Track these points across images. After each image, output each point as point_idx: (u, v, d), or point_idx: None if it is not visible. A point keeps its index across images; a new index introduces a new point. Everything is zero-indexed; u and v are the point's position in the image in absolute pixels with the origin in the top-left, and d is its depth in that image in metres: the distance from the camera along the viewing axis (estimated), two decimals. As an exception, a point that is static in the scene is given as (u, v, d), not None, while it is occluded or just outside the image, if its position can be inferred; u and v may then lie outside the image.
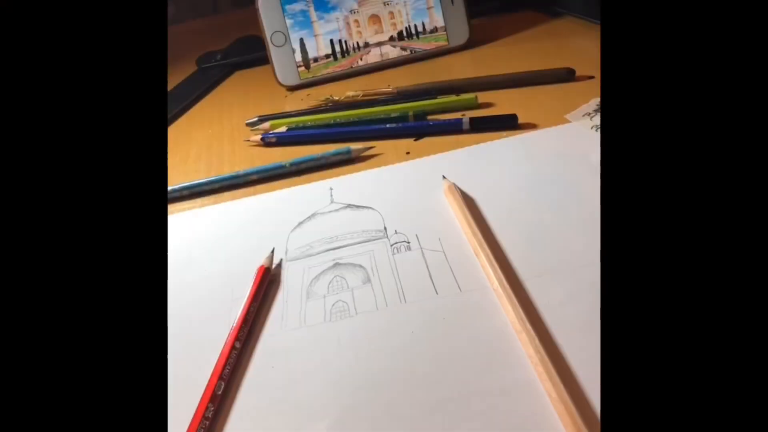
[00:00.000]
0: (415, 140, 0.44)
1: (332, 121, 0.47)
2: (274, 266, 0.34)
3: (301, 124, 0.48)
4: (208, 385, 0.26)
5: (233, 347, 0.28)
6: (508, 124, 0.42)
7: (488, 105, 0.46)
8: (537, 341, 0.25)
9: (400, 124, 0.45)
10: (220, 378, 0.27)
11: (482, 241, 0.31)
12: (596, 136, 0.39)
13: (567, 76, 0.47)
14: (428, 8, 0.56)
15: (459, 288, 0.30)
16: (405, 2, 0.56)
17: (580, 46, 0.53)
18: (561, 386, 0.23)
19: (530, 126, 0.42)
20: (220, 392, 0.26)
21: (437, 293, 0.30)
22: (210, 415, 0.25)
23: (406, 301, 0.30)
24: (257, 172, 0.43)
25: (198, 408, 0.26)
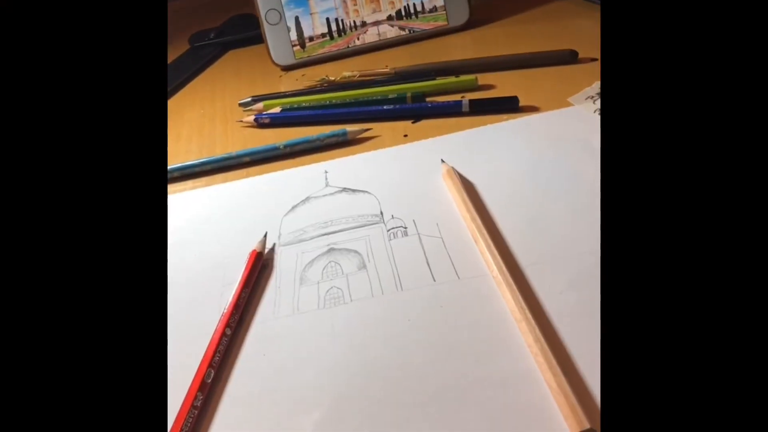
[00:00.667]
0: (413, 122, 0.43)
1: (328, 102, 0.46)
2: (266, 251, 0.33)
3: (295, 105, 0.47)
4: (197, 373, 0.26)
5: (224, 334, 0.27)
6: (508, 106, 0.41)
7: (489, 87, 0.45)
8: (537, 330, 0.25)
9: (397, 106, 0.44)
10: (210, 365, 0.26)
11: (481, 226, 0.30)
12: (599, 119, 0.38)
13: (569, 58, 0.46)
14: (428, -14, 0.54)
15: (457, 275, 0.29)
16: (404, -20, 0.54)
17: (583, 28, 0.52)
18: (561, 376, 0.23)
19: (532, 109, 0.41)
20: (209, 380, 0.26)
21: (435, 280, 0.29)
22: (199, 404, 0.25)
23: (402, 288, 0.29)
24: (250, 153, 0.42)
25: (186, 396, 0.25)
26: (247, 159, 0.42)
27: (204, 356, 0.26)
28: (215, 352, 0.27)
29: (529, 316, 0.25)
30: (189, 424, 0.24)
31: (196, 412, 0.25)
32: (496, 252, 0.29)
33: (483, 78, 0.46)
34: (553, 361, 0.23)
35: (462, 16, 0.55)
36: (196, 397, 0.25)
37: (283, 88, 0.51)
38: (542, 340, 0.24)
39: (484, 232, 0.30)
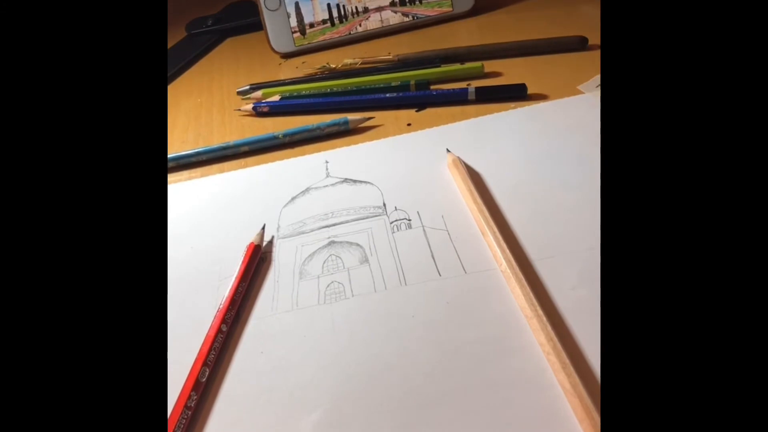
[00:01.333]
0: (417, 111, 0.42)
1: (329, 90, 0.45)
2: (264, 243, 0.32)
3: (295, 93, 0.46)
4: (191, 372, 0.25)
5: (219, 330, 0.26)
6: (516, 94, 0.40)
7: (495, 74, 0.44)
8: (549, 328, 0.23)
9: (401, 94, 0.42)
10: (205, 364, 0.25)
11: (489, 218, 0.29)
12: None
13: (579, 44, 0.44)
14: (432, -29, 0.53)
15: (464, 269, 0.28)
16: (407, -36, 0.52)
17: (593, 14, 0.50)
18: (575, 377, 0.22)
19: (540, 97, 0.40)
20: (204, 379, 0.25)
21: (440, 275, 0.28)
22: (192, 404, 0.24)
23: (406, 283, 0.28)
24: (248, 143, 0.41)
25: (180, 396, 0.24)
26: (244, 149, 0.41)
27: (198, 354, 0.25)
28: (210, 349, 0.25)
29: (541, 312, 0.24)
30: (182, 425, 0.23)
31: (190, 412, 0.23)
32: (504, 245, 0.27)
33: (489, 65, 0.44)
34: (567, 361, 0.22)
35: (467, 1, 0.54)
36: (189, 397, 0.24)
37: (282, 76, 0.50)
38: (555, 338, 0.23)
39: (492, 224, 0.29)
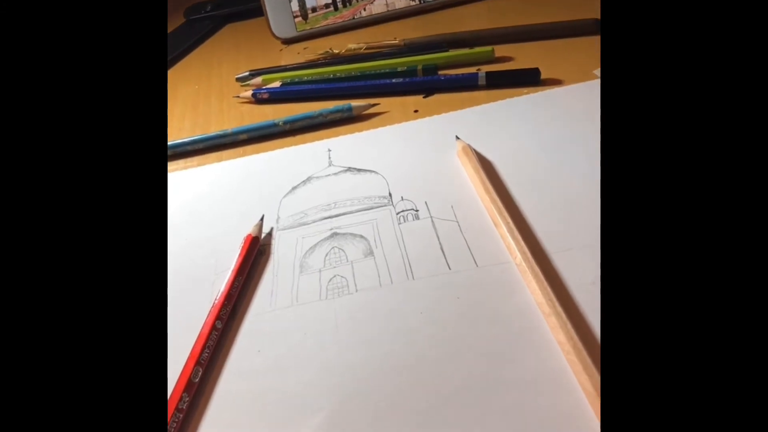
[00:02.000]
0: (424, 97, 0.40)
1: (331, 76, 0.43)
2: (263, 235, 0.31)
3: (296, 79, 0.44)
4: (183, 372, 0.23)
5: (214, 327, 0.25)
6: (529, 79, 0.38)
7: (506, 59, 0.42)
8: (569, 325, 0.22)
9: (407, 79, 0.41)
10: (197, 363, 0.23)
11: (502, 209, 0.27)
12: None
13: (593, 27, 0.42)
14: (439, -47, 0.51)
15: (475, 262, 0.26)
16: (413, -54, 0.50)
17: (608, -3, 0.48)
18: (598, 378, 0.20)
19: (554, 82, 0.38)
20: (196, 380, 0.23)
21: (450, 268, 0.26)
22: (185, 406, 0.22)
23: (413, 277, 0.26)
24: (247, 131, 0.39)
25: (171, 398, 0.22)
26: (243, 136, 0.39)
27: (191, 353, 0.24)
28: (204, 347, 0.24)
29: (560, 309, 0.22)
30: (173, 429, 0.22)
31: (182, 415, 0.22)
32: (519, 237, 0.26)
33: (500, 50, 0.42)
34: (588, 361, 0.21)
35: (476, -15, 0.52)
36: (181, 399, 0.22)
37: (283, 63, 0.49)
38: (575, 336, 0.21)
39: (505, 214, 0.27)
